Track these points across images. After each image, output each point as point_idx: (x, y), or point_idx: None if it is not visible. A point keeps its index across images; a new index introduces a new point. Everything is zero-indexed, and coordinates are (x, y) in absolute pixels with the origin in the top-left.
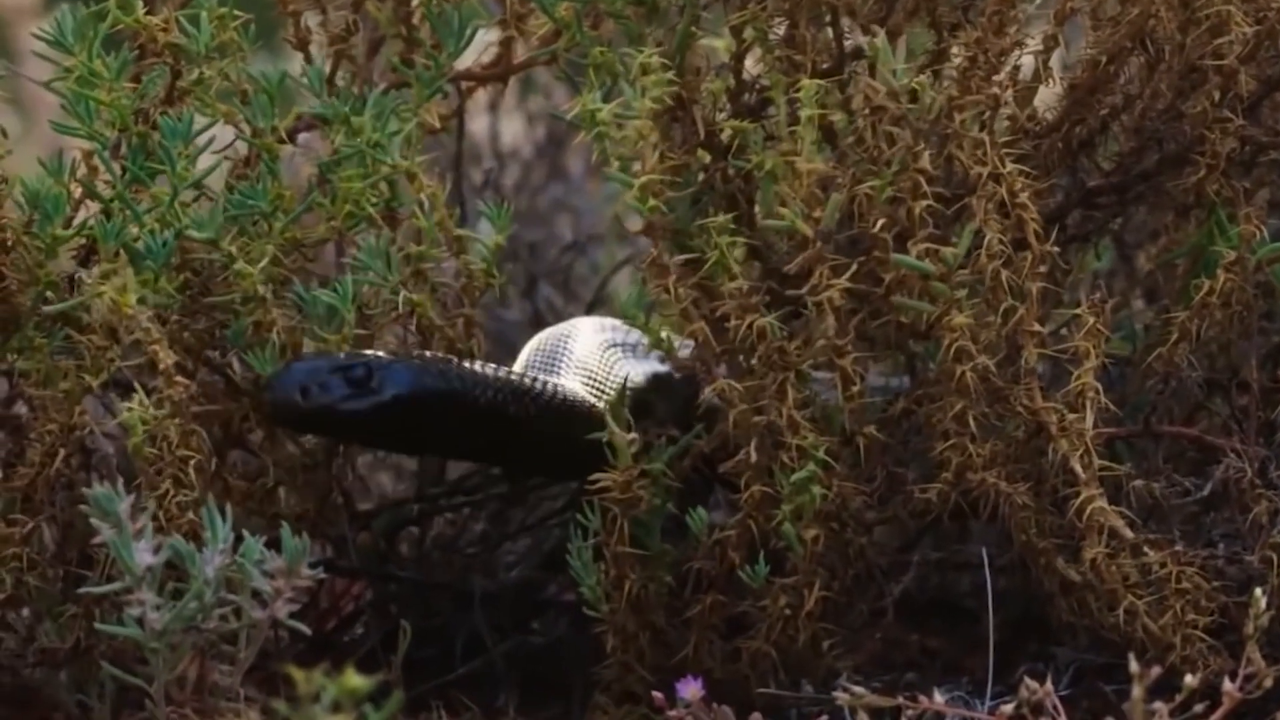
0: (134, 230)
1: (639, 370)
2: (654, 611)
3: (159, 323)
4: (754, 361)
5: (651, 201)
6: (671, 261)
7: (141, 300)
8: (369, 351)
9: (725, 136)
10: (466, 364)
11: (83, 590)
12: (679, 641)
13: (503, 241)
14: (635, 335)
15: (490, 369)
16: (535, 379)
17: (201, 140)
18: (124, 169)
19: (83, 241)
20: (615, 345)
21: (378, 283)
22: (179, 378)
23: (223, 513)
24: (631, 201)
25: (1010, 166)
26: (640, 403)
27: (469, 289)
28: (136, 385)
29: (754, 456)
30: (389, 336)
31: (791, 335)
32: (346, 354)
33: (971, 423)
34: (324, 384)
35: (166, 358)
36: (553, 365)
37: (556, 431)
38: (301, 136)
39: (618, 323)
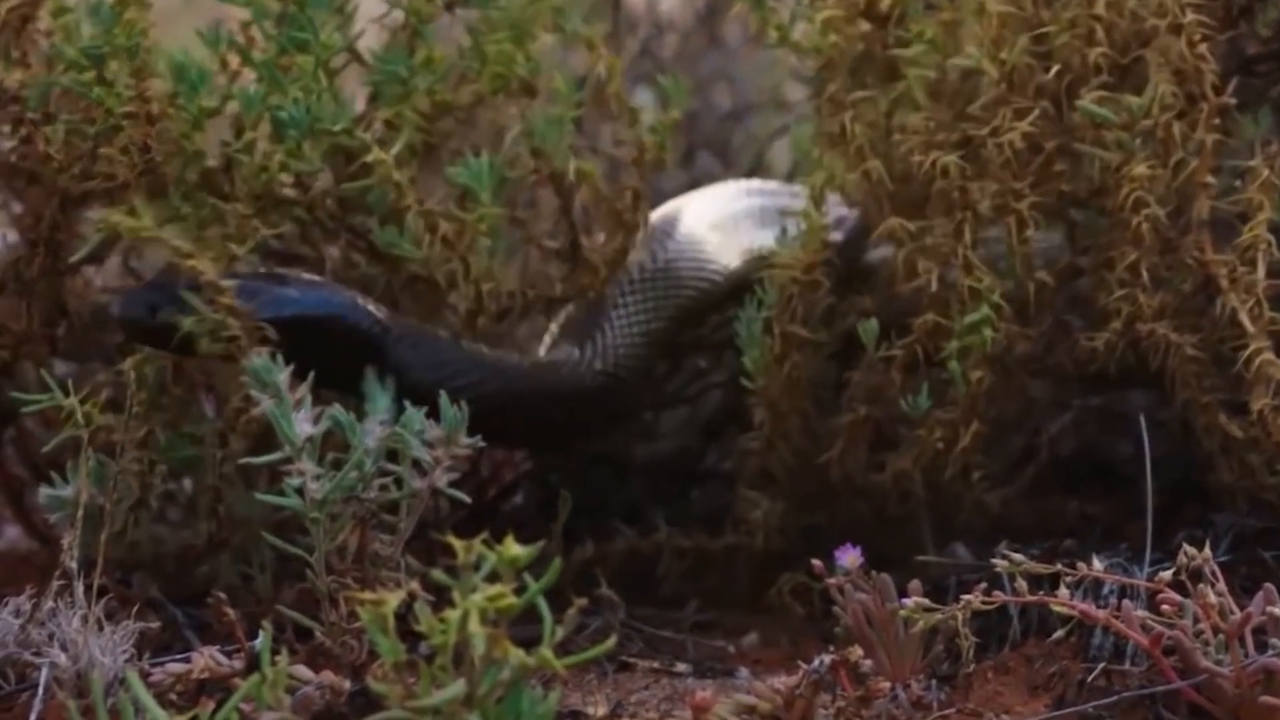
0: (279, 100)
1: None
2: (804, 397)
3: (301, 190)
4: (930, 201)
5: (832, 36)
6: (848, 97)
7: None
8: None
9: (885, 5)
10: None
11: (243, 462)
12: (825, 445)
13: (678, 116)
14: (765, 198)
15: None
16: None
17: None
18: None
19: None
20: (741, 215)
21: (545, 151)
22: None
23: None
24: (810, 39)
25: (1190, 17)
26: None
27: (639, 161)
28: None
29: (934, 285)
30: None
31: (970, 175)
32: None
33: (1144, 273)
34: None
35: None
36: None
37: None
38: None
39: (752, 185)
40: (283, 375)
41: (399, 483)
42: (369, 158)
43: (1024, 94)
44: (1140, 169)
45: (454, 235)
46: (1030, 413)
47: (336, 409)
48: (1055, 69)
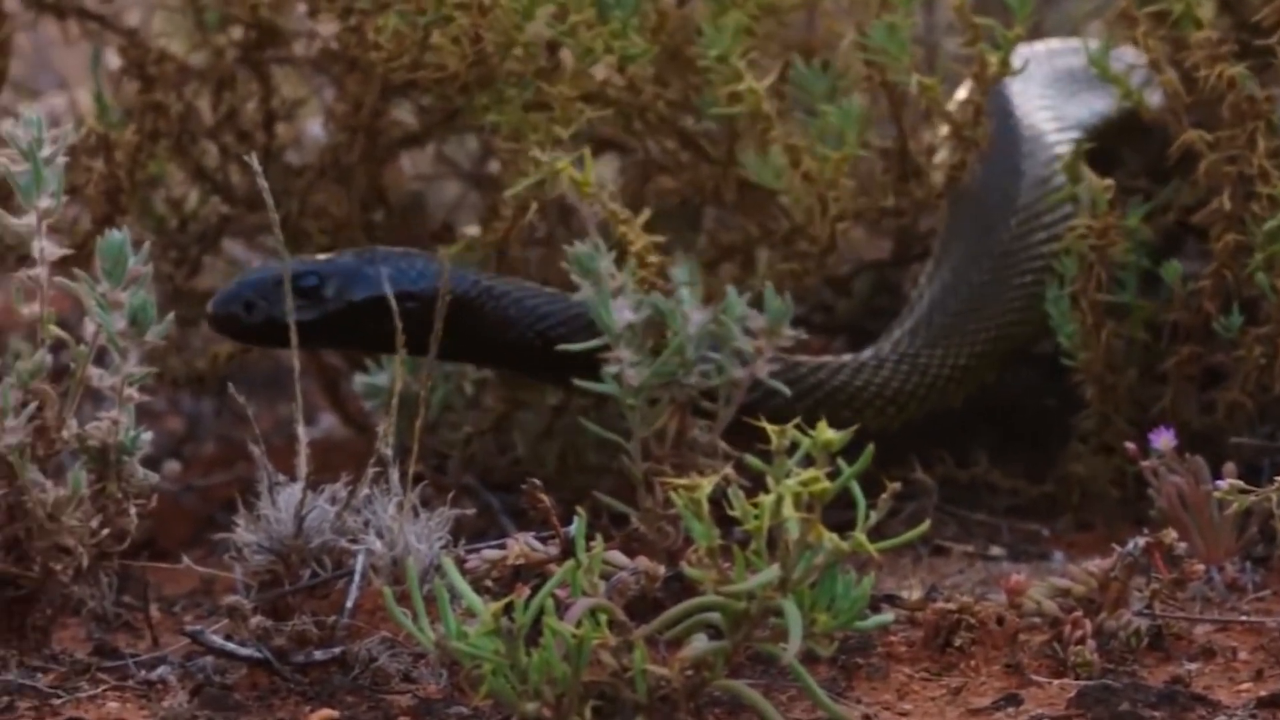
0: None
1: (1099, 108)
2: (1129, 364)
3: (631, 92)
4: (1224, 111)
5: None
6: (1140, 13)
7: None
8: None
9: None
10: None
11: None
12: (1154, 397)
13: (1023, 34)
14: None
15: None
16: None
17: None
18: None
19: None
20: (1061, 80)
21: (882, 62)
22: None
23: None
24: None
25: None
26: (1107, 149)
27: (981, 78)
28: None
29: (1226, 205)
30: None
31: (1262, 85)
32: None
33: None
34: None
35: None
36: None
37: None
38: None
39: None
40: (604, 262)
41: (720, 370)
42: (740, 87)
43: None
44: None
45: (816, 172)
46: None
47: (656, 296)
48: None
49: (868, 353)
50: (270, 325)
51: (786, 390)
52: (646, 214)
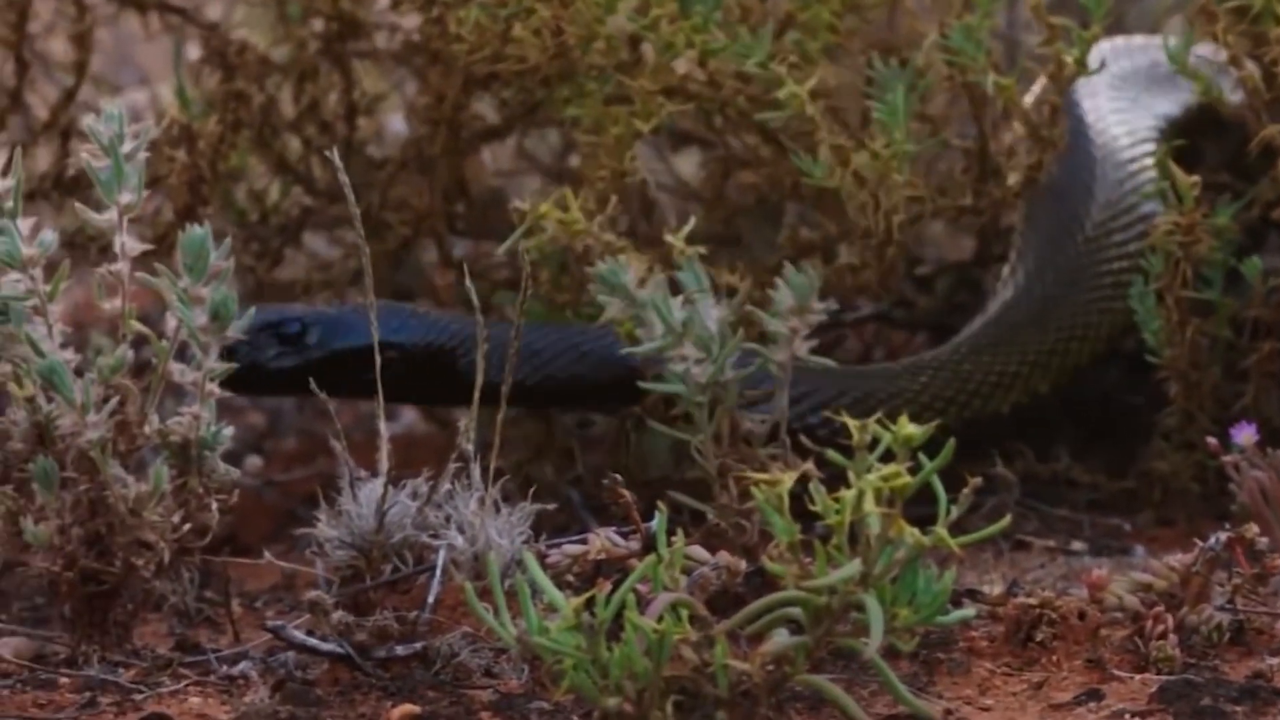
0: None
1: (1174, 103)
2: (1213, 361)
3: (712, 87)
4: None
5: None
6: (1220, 9)
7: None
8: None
9: None
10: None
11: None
12: (1235, 393)
13: (1099, 33)
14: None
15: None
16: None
17: None
18: None
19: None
20: (1129, 81)
21: (961, 63)
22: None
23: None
24: None
25: None
26: (1187, 146)
27: (1058, 78)
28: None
29: None
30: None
31: None
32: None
33: None
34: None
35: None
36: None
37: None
38: None
39: (1138, 42)
40: (628, 276)
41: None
42: (781, 93)
43: None
44: None
45: (866, 170)
46: None
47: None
48: None
49: (907, 360)
50: (252, 371)
51: (832, 364)
52: (691, 223)
